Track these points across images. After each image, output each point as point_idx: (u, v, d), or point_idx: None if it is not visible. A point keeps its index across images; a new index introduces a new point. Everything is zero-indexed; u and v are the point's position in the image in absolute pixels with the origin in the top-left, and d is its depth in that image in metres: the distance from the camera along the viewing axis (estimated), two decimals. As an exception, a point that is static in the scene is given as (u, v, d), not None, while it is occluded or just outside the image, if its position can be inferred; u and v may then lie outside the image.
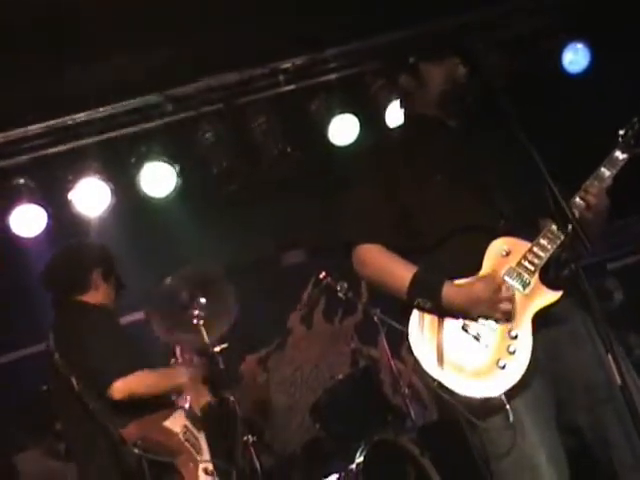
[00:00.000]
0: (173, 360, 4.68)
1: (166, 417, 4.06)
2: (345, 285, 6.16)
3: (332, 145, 6.77)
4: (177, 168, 6.51)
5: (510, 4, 6.91)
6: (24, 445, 6.70)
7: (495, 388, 3.22)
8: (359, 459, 5.62)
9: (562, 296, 3.36)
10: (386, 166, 3.61)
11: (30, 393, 6.14)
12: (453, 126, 3.69)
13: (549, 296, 3.36)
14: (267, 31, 6.21)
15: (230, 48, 6.31)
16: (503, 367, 3.25)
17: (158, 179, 6.49)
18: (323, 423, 6.22)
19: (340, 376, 6.39)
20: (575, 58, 7.01)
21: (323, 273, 6.44)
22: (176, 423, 4.05)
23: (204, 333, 5.75)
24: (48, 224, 6.31)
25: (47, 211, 6.30)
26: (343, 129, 6.74)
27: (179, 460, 3.98)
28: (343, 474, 5.66)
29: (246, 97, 6.73)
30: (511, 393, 3.22)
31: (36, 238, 6.32)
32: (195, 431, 4.10)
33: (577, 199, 3.36)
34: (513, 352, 3.27)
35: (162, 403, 4.22)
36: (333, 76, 6.83)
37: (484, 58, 3.48)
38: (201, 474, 4.00)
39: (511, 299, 3.30)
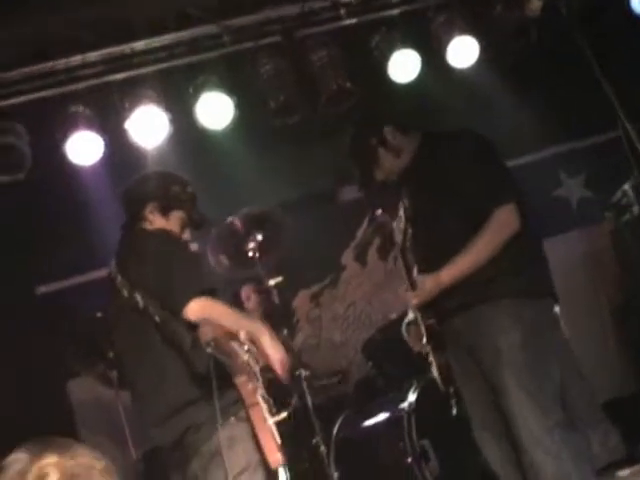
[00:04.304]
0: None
1: (233, 339, 4.02)
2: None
3: (392, 82, 6.65)
4: (235, 100, 6.43)
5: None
6: (76, 372, 6.78)
7: None
8: (411, 398, 5.61)
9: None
10: None
11: (85, 320, 6.20)
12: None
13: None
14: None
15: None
16: None
17: (216, 111, 6.40)
18: (375, 361, 6.22)
19: (394, 315, 6.38)
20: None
21: (379, 210, 6.38)
22: (241, 349, 4.01)
23: (260, 267, 5.78)
24: (105, 152, 6.25)
25: (104, 139, 6.24)
26: (404, 65, 6.60)
27: (239, 379, 3.97)
28: (395, 412, 5.66)
29: (306, 30, 6.61)
30: None
31: (93, 166, 6.30)
32: (255, 365, 4.08)
33: None
34: None
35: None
36: (395, 11, 6.69)
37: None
38: (260, 398, 4.00)
39: None
